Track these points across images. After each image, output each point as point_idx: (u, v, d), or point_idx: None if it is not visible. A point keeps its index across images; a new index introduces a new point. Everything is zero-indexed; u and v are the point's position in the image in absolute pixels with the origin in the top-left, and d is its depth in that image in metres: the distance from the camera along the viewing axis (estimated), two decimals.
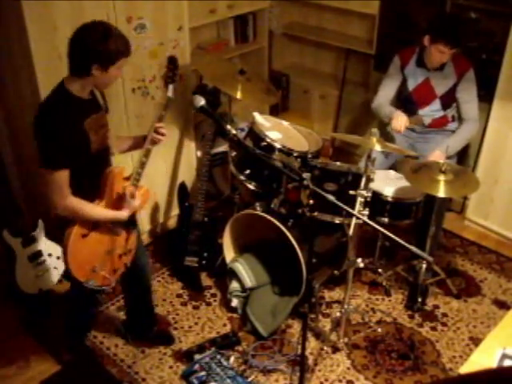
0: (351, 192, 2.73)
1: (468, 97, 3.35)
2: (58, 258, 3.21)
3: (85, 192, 2.34)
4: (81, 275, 2.44)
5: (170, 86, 2.57)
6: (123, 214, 2.42)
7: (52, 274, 3.26)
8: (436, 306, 3.28)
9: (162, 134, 2.50)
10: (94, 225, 2.41)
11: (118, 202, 2.43)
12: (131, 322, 3.04)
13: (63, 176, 2.23)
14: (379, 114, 3.47)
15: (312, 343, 3.02)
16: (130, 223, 2.53)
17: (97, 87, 2.33)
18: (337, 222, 2.92)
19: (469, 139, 3.44)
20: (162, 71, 3.41)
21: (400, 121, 3.25)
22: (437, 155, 3.22)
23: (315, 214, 2.83)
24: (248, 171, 3.07)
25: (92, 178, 2.38)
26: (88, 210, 2.34)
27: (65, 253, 2.38)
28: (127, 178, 2.47)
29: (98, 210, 2.38)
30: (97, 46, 2.14)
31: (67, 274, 2.64)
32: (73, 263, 2.40)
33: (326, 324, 3.16)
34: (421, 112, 3.45)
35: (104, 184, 2.39)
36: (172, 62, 2.60)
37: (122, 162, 2.62)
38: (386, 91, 3.47)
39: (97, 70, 2.18)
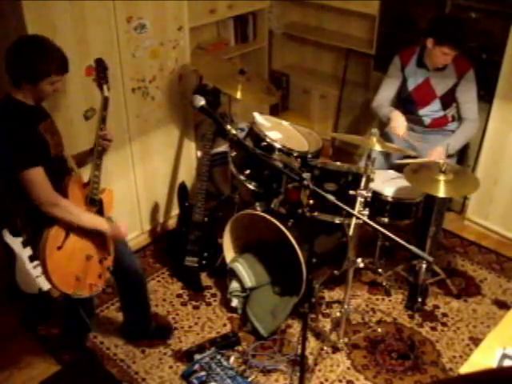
0: (351, 192, 2.73)
1: (468, 97, 3.35)
2: None
3: None
4: (66, 288, 2.45)
5: (104, 86, 2.58)
6: (106, 227, 2.48)
7: None
8: (436, 306, 3.28)
9: (109, 140, 2.55)
10: (67, 233, 2.42)
11: (84, 209, 2.48)
12: (129, 323, 3.03)
13: (40, 172, 2.26)
14: (378, 114, 3.48)
15: (312, 343, 3.02)
16: None
17: (34, 99, 2.34)
18: (337, 221, 2.92)
19: (469, 139, 3.45)
20: (162, 71, 3.44)
21: (398, 127, 3.25)
22: (438, 151, 3.22)
23: (315, 213, 2.85)
24: (248, 171, 3.07)
25: (55, 184, 2.38)
26: (76, 211, 2.37)
27: (45, 269, 2.38)
28: (86, 184, 2.51)
29: (85, 213, 2.42)
30: (24, 61, 2.20)
31: None
32: (55, 277, 2.40)
33: (326, 324, 3.16)
34: (421, 112, 3.45)
35: (65, 193, 2.41)
36: (99, 63, 2.61)
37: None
38: (386, 92, 3.48)
39: (26, 84, 2.24)
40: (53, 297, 3.25)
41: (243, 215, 3.15)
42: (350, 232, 2.67)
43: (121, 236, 2.60)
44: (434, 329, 3.14)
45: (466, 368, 2.02)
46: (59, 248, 2.39)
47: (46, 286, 3.24)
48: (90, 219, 2.46)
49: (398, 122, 3.27)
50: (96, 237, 2.52)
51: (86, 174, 2.58)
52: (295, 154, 2.98)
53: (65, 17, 2.84)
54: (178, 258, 3.44)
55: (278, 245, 3.08)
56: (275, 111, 4.76)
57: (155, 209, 3.80)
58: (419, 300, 3.23)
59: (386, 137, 3.43)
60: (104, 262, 2.58)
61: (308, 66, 4.94)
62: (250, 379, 2.82)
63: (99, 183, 2.50)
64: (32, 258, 3.17)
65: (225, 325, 3.16)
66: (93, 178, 2.48)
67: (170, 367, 2.91)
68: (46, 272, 2.38)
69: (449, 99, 3.39)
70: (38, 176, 2.25)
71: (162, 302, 3.31)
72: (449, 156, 3.16)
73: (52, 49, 2.25)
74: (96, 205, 2.54)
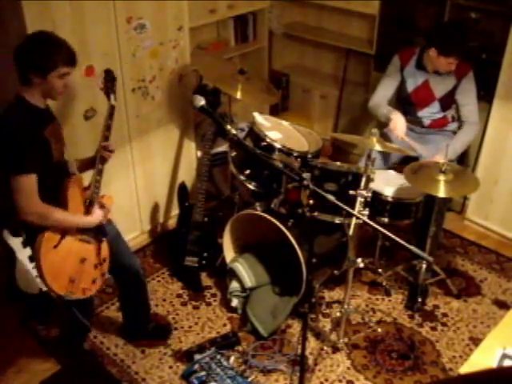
0: (351, 192, 2.73)
1: (467, 99, 3.35)
2: None
3: (49, 200, 2.35)
4: (59, 288, 2.44)
5: (112, 96, 2.59)
6: (92, 220, 2.46)
7: None
8: (436, 306, 3.28)
9: (110, 151, 2.55)
10: (63, 234, 2.41)
11: (80, 212, 2.47)
12: (128, 323, 3.03)
13: (31, 181, 2.26)
14: (376, 113, 3.47)
15: (312, 343, 3.02)
16: (99, 232, 2.54)
17: (45, 97, 2.35)
18: (337, 221, 2.92)
19: (469, 142, 3.43)
20: (162, 71, 3.44)
21: (398, 128, 3.25)
22: (436, 160, 3.21)
23: (315, 213, 2.85)
24: (248, 171, 3.07)
25: (55, 186, 2.40)
26: (58, 215, 2.35)
27: (38, 267, 2.37)
28: (87, 188, 2.51)
29: (67, 215, 2.39)
30: (31, 52, 2.23)
31: None
32: (49, 276, 2.39)
33: (326, 324, 3.16)
34: (420, 113, 3.45)
35: (65, 195, 2.41)
36: (108, 74, 2.64)
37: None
38: (384, 91, 3.47)
39: (35, 78, 2.24)
40: (53, 297, 3.26)
41: (243, 215, 3.15)
42: (350, 232, 2.67)
43: (107, 214, 2.58)
44: (434, 329, 3.14)
45: (465, 368, 2.02)
46: (55, 247, 2.39)
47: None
48: (72, 221, 2.42)
49: (398, 124, 3.27)
50: (92, 241, 2.51)
51: (87, 178, 2.58)
52: (295, 154, 2.98)
53: (65, 17, 2.84)
54: (178, 257, 3.44)
55: (278, 245, 3.08)
56: (275, 111, 4.76)
57: (155, 209, 3.80)
58: (419, 300, 3.23)
59: (385, 137, 3.43)
60: (99, 267, 2.57)
61: (308, 66, 4.94)
62: (250, 379, 2.82)
63: (100, 187, 2.50)
64: (32, 258, 3.16)
65: (225, 325, 3.16)
66: (94, 182, 2.48)
67: (170, 367, 2.91)
68: (39, 270, 2.37)
69: (448, 101, 3.39)
70: (27, 185, 2.25)
71: (162, 301, 3.31)
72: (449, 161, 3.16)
73: (59, 42, 2.28)
74: (94, 206, 2.51)
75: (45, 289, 3.21)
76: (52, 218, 2.33)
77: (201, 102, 2.24)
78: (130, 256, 2.81)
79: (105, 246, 2.58)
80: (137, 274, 2.82)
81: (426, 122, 3.46)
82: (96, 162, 2.51)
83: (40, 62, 2.23)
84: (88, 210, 2.48)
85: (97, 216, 2.48)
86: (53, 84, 2.28)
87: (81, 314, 2.88)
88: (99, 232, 2.54)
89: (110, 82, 2.62)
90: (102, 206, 2.52)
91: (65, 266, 2.44)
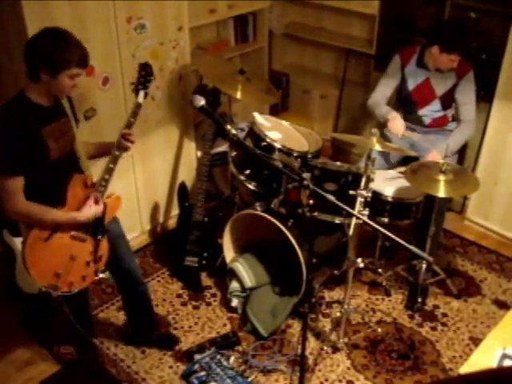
0: (351, 192, 2.73)
1: (466, 98, 3.36)
2: None
3: (46, 198, 2.31)
4: (41, 280, 2.41)
5: (141, 93, 2.51)
6: (79, 215, 2.36)
7: None
8: (436, 306, 3.28)
9: (131, 142, 2.46)
10: (55, 229, 2.37)
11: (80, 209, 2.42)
12: (131, 325, 3.03)
13: (16, 183, 2.22)
14: (374, 112, 3.47)
15: (312, 343, 3.02)
16: (98, 230, 2.47)
17: (51, 94, 2.29)
18: (337, 221, 2.92)
19: (466, 140, 3.45)
20: (163, 71, 3.44)
21: (397, 127, 3.26)
22: (434, 155, 3.23)
23: (315, 213, 2.84)
24: (248, 171, 3.07)
25: (55, 184, 2.35)
26: (41, 213, 2.29)
27: (23, 257, 2.35)
28: (92, 186, 2.44)
29: (51, 212, 2.32)
30: (44, 50, 2.14)
31: None
32: (32, 266, 2.37)
33: (326, 324, 3.16)
34: (420, 112, 3.45)
35: (66, 190, 2.37)
36: (144, 68, 2.54)
37: (93, 170, 2.55)
38: (384, 90, 3.47)
39: (45, 75, 2.17)
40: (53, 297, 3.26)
41: (243, 215, 3.15)
42: (350, 232, 2.67)
43: (111, 213, 2.51)
44: (434, 329, 3.14)
45: (466, 368, 2.02)
46: (45, 240, 2.35)
47: None
48: (55, 216, 2.34)
49: (396, 122, 3.27)
50: (88, 239, 2.46)
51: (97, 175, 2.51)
52: (295, 154, 2.99)
53: (65, 17, 2.84)
54: (178, 257, 3.44)
55: (278, 245, 3.08)
56: (275, 111, 4.76)
57: (155, 209, 3.80)
58: (419, 300, 3.23)
59: (385, 137, 3.44)
60: (92, 265, 2.50)
61: (308, 66, 4.94)
62: (250, 379, 2.82)
63: (107, 187, 2.43)
64: None
65: (225, 325, 3.16)
66: (101, 180, 2.42)
67: (170, 367, 2.91)
68: (24, 259, 2.34)
69: (448, 99, 3.39)
70: (12, 185, 2.22)
71: (162, 301, 3.31)
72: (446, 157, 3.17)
73: (74, 41, 2.20)
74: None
75: (45, 289, 3.22)
76: (37, 217, 2.29)
77: (201, 102, 2.24)
78: (130, 260, 2.76)
79: (104, 244, 2.51)
80: (136, 278, 2.80)
81: (427, 120, 3.46)
82: (110, 157, 2.42)
83: (52, 60, 2.14)
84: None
85: (85, 213, 2.37)
86: (62, 83, 2.21)
87: (75, 313, 2.85)
88: (96, 229, 2.46)
89: (143, 77, 2.50)
90: (96, 202, 2.40)
91: (51, 260, 2.40)
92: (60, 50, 2.15)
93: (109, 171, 2.42)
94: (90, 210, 2.39)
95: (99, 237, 2.48)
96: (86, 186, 2.43)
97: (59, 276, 2.42)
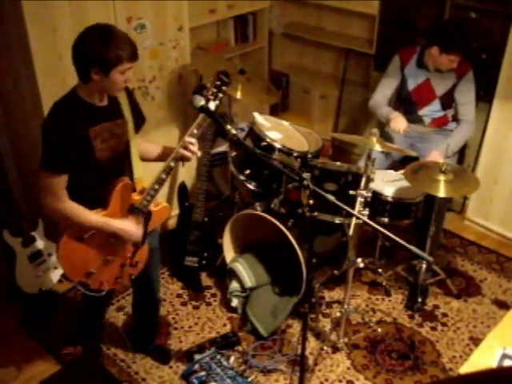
0: (351, 192, 2.73)
1: (466, 99, 3.36)
2: None
3: (89, 198, 2.27)
4: (73, 276, 2.40)
5: (211, 103, 2.28)
6: (117, 227, 2.30)
7: (52, 273, 3.26)
8: (436, 306, 3.28)
9: (193, 152, 2.31)
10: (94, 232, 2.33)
11: (122, 215, 2.33)
12: (135, 333, 3.01)
13: (59, 181, 2.18)
14: (375, 112, 3.48)
15: (312, 343, 3.02)
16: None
17: (105, 92, 2.23)
18: (337, 221, 2.92)
19: (465, 140, 3.46)
20: (162, 71, 3.44)
21: (399, 123, 3.27)
22: (434, 155, 3.23)
23: (315, 213, 2.84)
24: (248, 171, 3.06)
25: (100, 184, 2.29)
26: (78, 215, 2.23)
27: (57, 251, 2.33)
28: (141, 192, 2.35)
29: (89, 216, 2.26)
30: (94, 49, 2.05)
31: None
32: (64, 263, 2.36)
33: (326, 324, 3.16)
34: (420, 112, 3.45)
35: (110, 194, 2.31)
36: (220, 78, 2.33)
37: (145, 174, 2.43)
38: (384, 90, 3.48)
39: (96, 75, 2.09)
40: (55, 295, 3.26)
41: (243, 215, 3.15)
42: (350, 232, 2.67)
43: (157, 222, 2.46)
44: (434, 329, 3.14)
45: (466, 368, 2.02)
46: (80, 239, 2.30)
47: (46, 285, 3.25)
48: (92, 221, 2.27)
49: (397, 122, 3.28)
50: (127, 245, 2.42)
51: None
52: (295, 154, 2.99)
53: (65, 17, 2.84)
54: (178, 257, 3.44)
55: (278, 245, 3.08)
56: (275, 111, 4.76)
57: None
58: (419, 300, 3.23)
59: (385, 137, 3.44)
60: (127, 268, 2.45)
61: (308, 66, 4.94)
62: (250, 379, 2.82)
63: (154, 197, 2.32)
64: (32, 258, 3.17)
65: (225, 325, 3.16)
66: (149, 189, 2.30)
67: (170, 367, 2.91)
68: (57, 254, 2.33)
69: (448, 100, 3.40)
70: (53, 183, 2.17)
71: (162, 302, 3.31)
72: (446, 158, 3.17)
73: (121, 36, 2.12)
74: (138, 214, 2.34)
75: (45, 288, 3.23)
76: (73, 218, 2.23)
77: (201, 102, 2.24)
78: (154, 270, 2.72)
79: (143, 251, 2.46)
80: (153, 288, 2.78)
81: (427, 120, 3.46)
82: (162, 165, 2.30)
83: (104, 60, 2.06)
84: (125, 214, 2.33)
85: (124, 225, 2.31)
86: (115, 80, 2.12)
87: (91, 315, 2.87)
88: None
89: (217, 87, 2.31)
90: (147, 216, 2.32)
91: (85, 258, 2.35)
92: (110, 49, 2.05)
93: (160, 182, 2.31)
94: (129, 228, 2.33)
95: (139, 245, 2.43)
96: (137, 192, 2.35)
97: (91, 274, 2.38)
